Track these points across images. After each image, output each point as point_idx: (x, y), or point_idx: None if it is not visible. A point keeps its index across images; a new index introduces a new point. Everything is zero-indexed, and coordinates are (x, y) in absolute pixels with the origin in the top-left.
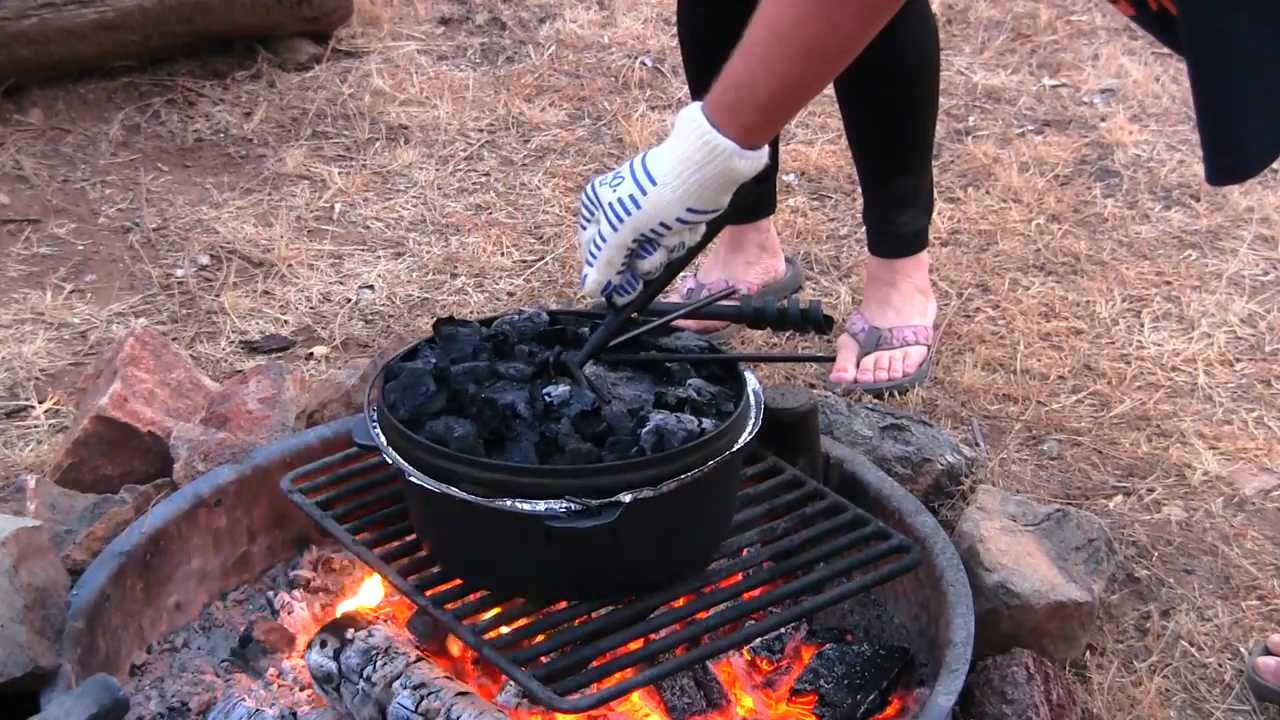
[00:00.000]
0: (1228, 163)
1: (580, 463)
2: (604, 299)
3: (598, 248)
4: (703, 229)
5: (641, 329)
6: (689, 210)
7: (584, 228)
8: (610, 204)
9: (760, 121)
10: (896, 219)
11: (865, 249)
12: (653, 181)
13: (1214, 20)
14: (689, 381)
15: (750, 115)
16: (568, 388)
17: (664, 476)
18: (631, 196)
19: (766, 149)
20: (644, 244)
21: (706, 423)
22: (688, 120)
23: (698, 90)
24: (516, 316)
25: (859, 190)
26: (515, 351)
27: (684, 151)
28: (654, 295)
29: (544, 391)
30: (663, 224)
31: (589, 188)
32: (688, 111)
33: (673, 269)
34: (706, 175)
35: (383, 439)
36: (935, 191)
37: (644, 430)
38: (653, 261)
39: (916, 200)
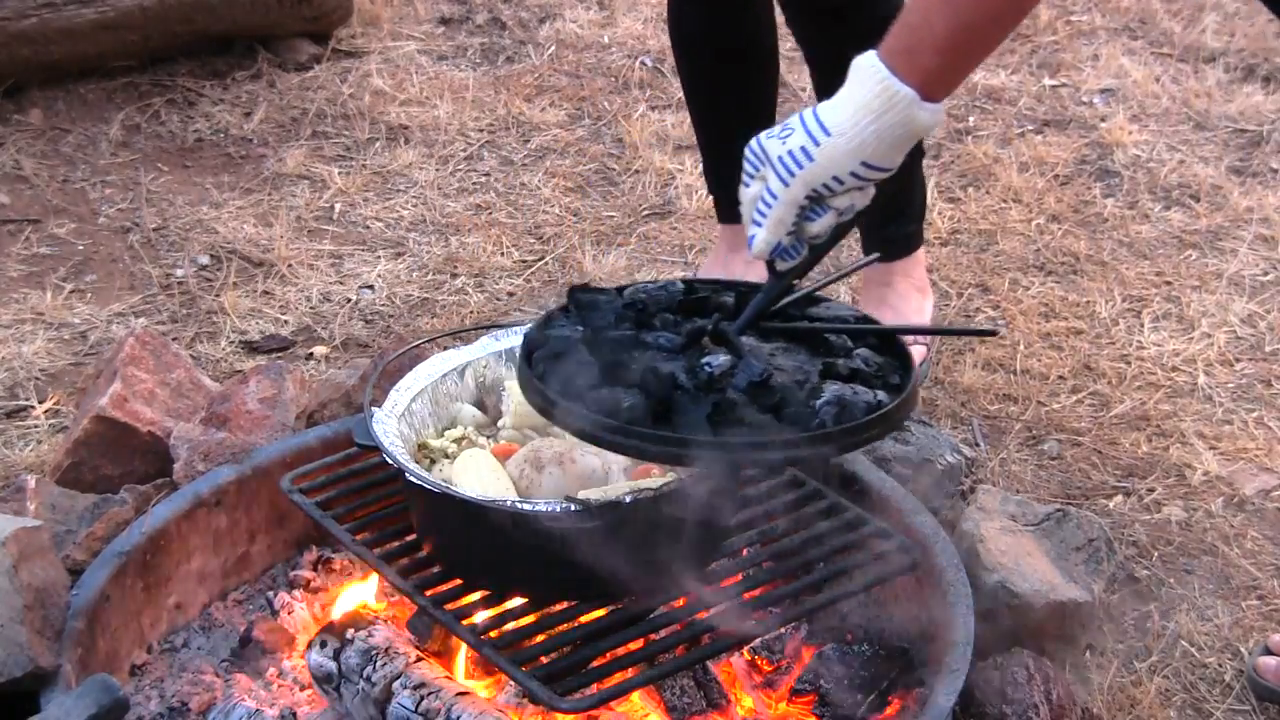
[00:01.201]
0: None
1: (760, 434)
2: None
3: (767, 205)
4: (871, 191)
5: (791, 297)
6: (864, 164)
7: (747, 184)
8: (780, 157)
9: (939, 65)
10: (886, 227)
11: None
12: (826, 132)
13: None
14: (856, 352)
15: (929, 57)
16: (727, 358)
17: (848, 448)
18: (803, 148)
19: (945, 106)
20: (814, 203)
21: (880, 394)
22: (864, 67)
23: (691, 91)
24: (650, 285)
25: None
26: (655, 321)
27: (861, 99)
28: (816, 261)
29: (703, 361)
30: (836, 178)
31: (754, 141)
32: (863, 58)
33: (838, 234)
34: (884, 125)
35: (539, 406)
36: (936, 192)
37: (820, 401)
38: (822, 224)
39: (908, 208)
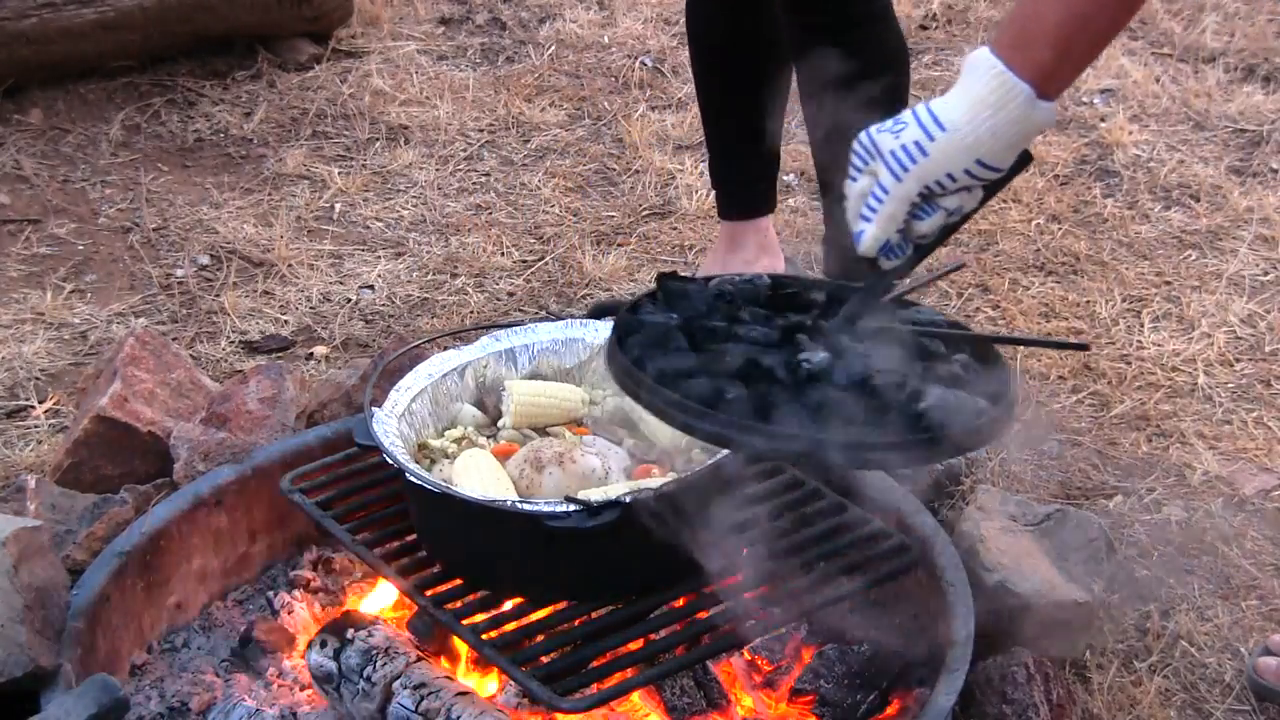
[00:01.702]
0: None
1: (858, 435)
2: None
3: (878, 200)
4: (979, 194)
5: (885, 297)
6: (978, 163)
7: (854, 179)
8: (892, 151)
9: (1053, 58)
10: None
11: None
12: (941, 127)
13: None
14: (955, 357)
15: (1042, 50)
16: (825, 355)
17: (951, 454)
18: (917, 143)
19: (1056, 106)
20: (925, 201)
21: (981, 402)
22: (978, 61)
23: (703, 86)
24: (737, 278)
25: None
26: (743, 314)
27: (976, 93)
28: (919, 262)
29: (801, 357)
30: (949, 175)
31: (863, 135)
32: (977, 54)
33: (944, 235)
34: (1000, 122)
35: (634, 396)
36: None
37: (923, 405)
38: (930, 223)
39: None
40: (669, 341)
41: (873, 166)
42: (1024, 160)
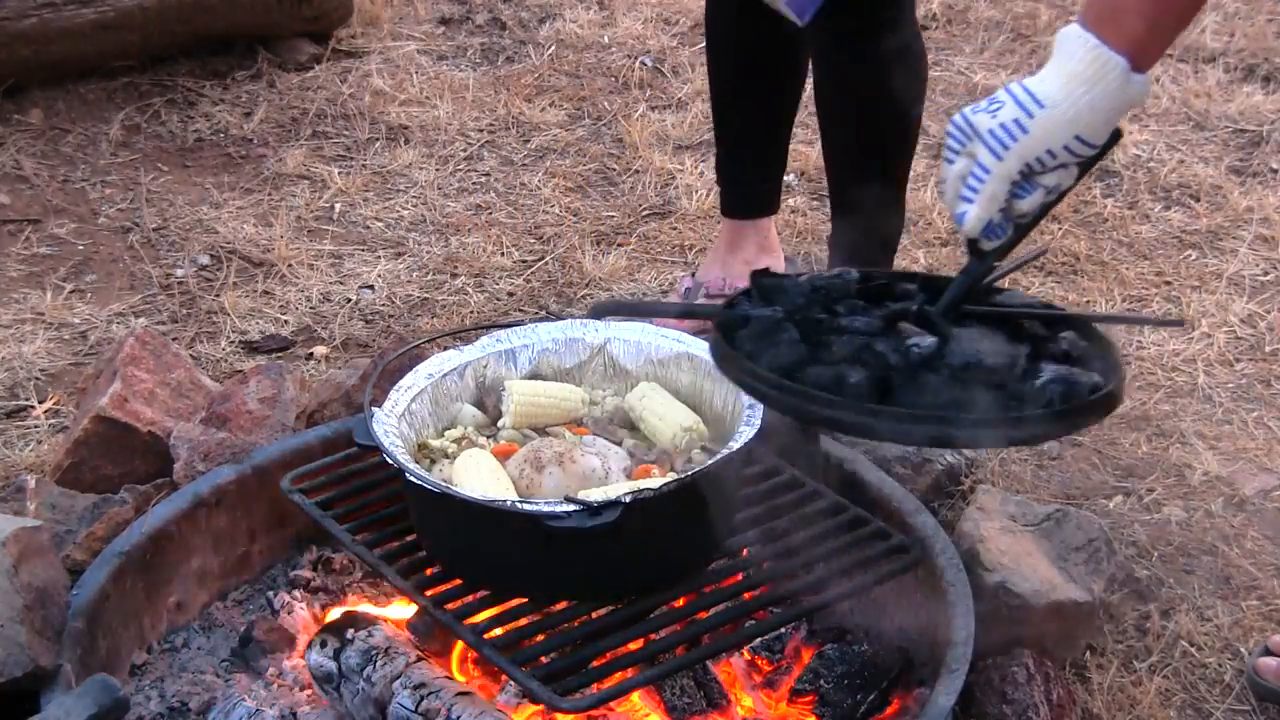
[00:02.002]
0: None
1: (991, 413)
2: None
3: (979, 180)
4: (1076, 171)
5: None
6: (1076, 139)
7: (950, 161)
8: (991, 130)
9: (1145, 29)
10: (861, 254)
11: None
12: (1039, 104)
13: None
14: (1062, 336)
15: (1133, 20)
16: (933, 339)
17: (1075, 428)
18: (1016, 121)
19: (1149, 78)
20: (1024, 179)
21: (1095, 377)
22: (1071, 37)
23: (717, 82)
24: (824, 273)
25: None
26: (839, 306)
27: (1071, 69)
28: (1019, 241)
29: (910, 342)
30: (1049, 151)
31: (958, 117)
32: (1068, 29)
33: (1043, 213)
34: (1097, 96)
35: (749, 386)
36: (937, 192)
37: (1042, 381)
38: (1030, 201)
39: (889, 239)
40: (778, 333)
41: (970, 147)
42: (1115, 136)
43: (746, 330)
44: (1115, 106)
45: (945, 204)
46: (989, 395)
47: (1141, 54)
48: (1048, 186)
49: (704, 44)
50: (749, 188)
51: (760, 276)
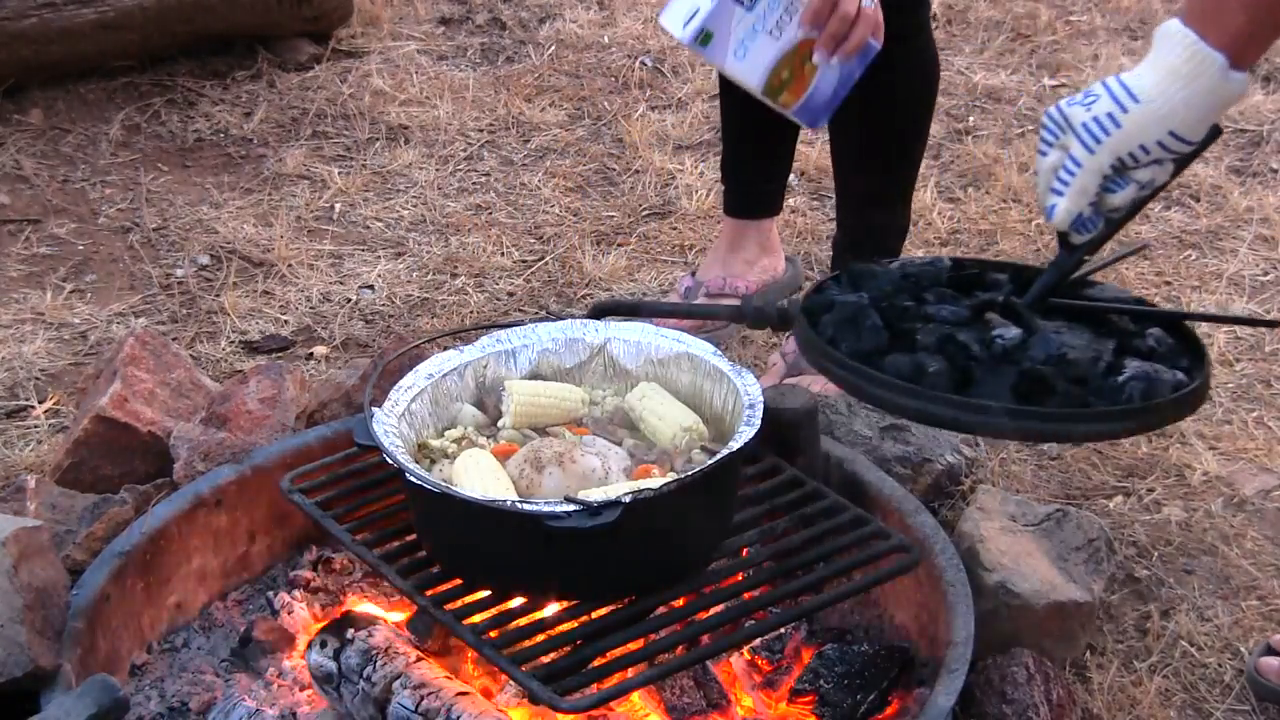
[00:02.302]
0: None
1: (1069, 406)
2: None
3: (1070, 173)
4: (1170, 167)
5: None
6: (1171, 135)
7: (1044, 154)
8: (1085, 124)
9: (1247, 24)
10: (864, 255)
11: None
12: (1134, 98)
13: None
14: (1149, 332)
15: (1234, 16)
16: (1018, 331)
17: (1154, 426)
18: (1110, 115)
19: (1249, 76)
20: (1116, 174)
21: (1179, 374)
22: (1170, 32)
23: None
24: (917, 259)
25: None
26: (928, 295)
27: (1169, 63)
28: (1110, 236)
29: (995, 333)
30: (1142, 147)
31: (1053, 109)
32: (1167, 25)
33: (1135, 209)
34: (1193, 92)
35: (828, 371)
36: (936, 192)
37: (1123, 377)
38: (1122, 196)
39: (887, 237)
40: (862, 319)
41: (1064, 140)
42: (1214, 133)
43: (829, 316)
44: (1212, 103)
45: (1036, 196)
46: (1069, 389)
47: (1241, 52)
48: (1141, 182)
49: None
50: (753, 188)
51: (852, 262)
